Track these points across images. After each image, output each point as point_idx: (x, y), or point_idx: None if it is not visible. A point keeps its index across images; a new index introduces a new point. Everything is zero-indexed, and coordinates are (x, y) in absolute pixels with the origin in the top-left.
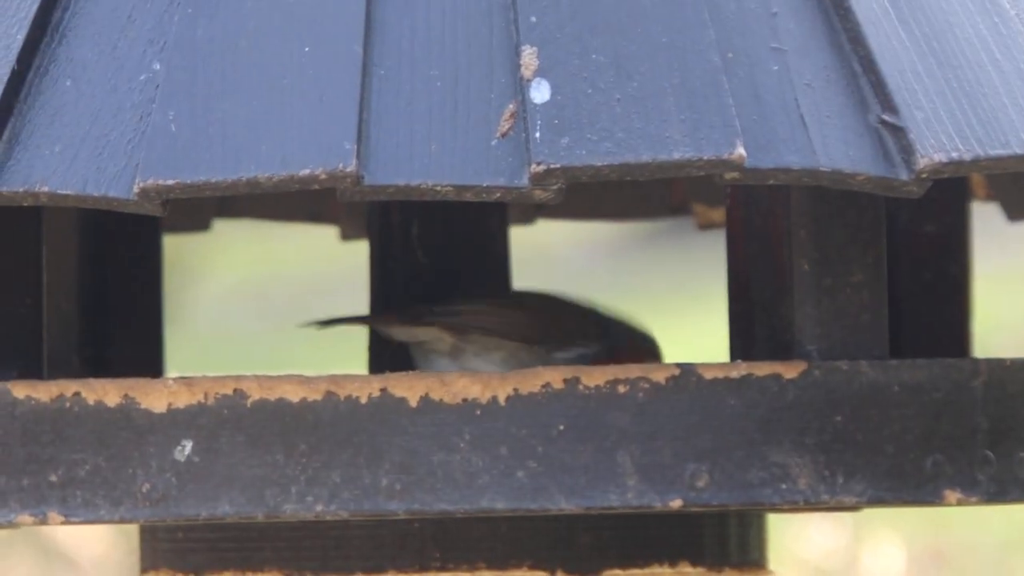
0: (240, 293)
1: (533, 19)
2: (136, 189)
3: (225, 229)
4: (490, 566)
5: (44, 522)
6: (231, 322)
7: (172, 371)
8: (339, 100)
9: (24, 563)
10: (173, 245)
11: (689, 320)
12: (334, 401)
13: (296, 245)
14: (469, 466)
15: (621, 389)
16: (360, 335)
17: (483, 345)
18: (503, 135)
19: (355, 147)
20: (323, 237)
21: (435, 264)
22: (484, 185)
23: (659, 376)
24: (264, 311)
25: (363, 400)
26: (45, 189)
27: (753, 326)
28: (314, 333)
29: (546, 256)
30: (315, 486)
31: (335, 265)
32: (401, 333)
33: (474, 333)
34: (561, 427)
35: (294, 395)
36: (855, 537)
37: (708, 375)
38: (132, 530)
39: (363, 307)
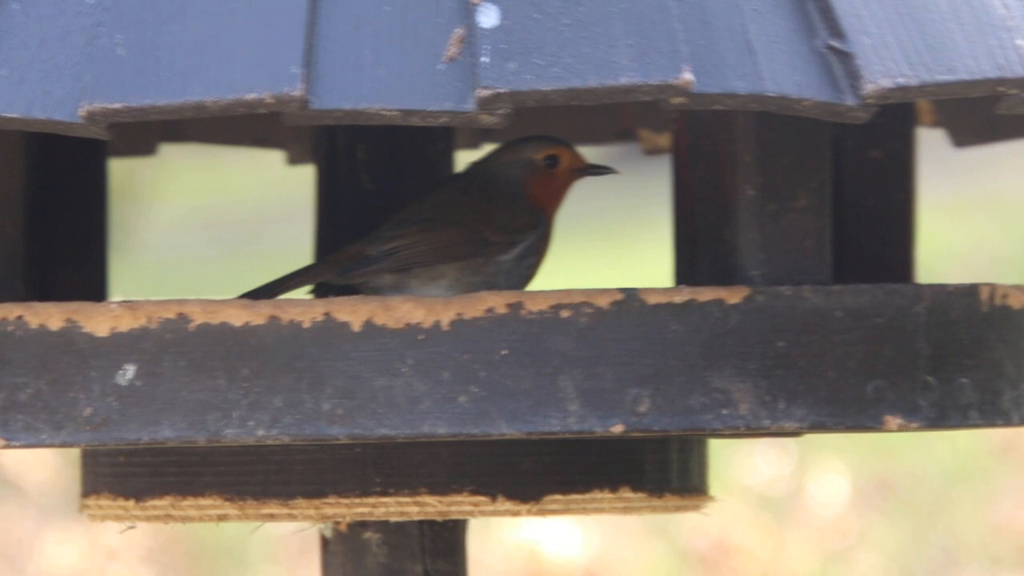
0: (190, 220)
1: None
2: (82, 112)
3: (174, 156)
4: (432, 491)
5: None
6: (181, 249)
7: (120, 297)
8: (287, 24)
9: None
10: (123, 172)
11: (638, 247)
12: (277, 325)
13: (245, 171)
14: (411, 391)
15: (564, 314)
16: (308, 257)
17: (426, 276)
18: (450, 59)
19: (302, 71)
20: (272, 164)
21: (381, 188)
22: (430, 109)
23: (602, 301)
24: (214, 238)
25: (306, 324)
26: None
27: (698, 251)
28: (264, 260)
29: None
30: (257, 411)
31: (285, 191)
32: (343, 280)
33: (415, 268)
34: (504, 352)
35: (237, 319)
36: (800, 465)
37: (651, 300)
38: (77, 456)
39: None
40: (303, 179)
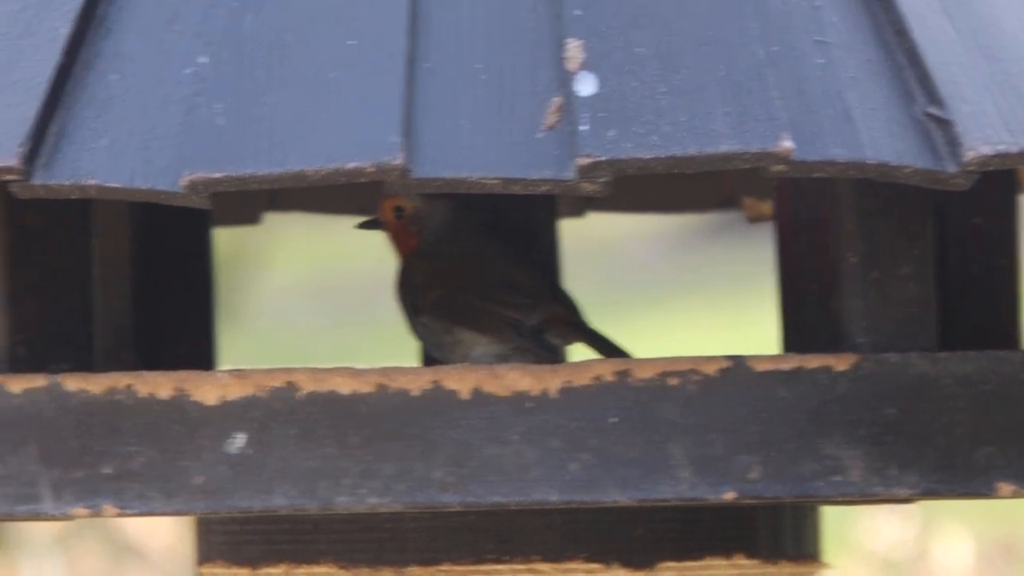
0: (301, 288)
1: (578, 12)
2: (183, 182)
3: (284, 223)
4: (545, 559)
5: (98, 514)
6: (293, 316)
7: (230, 365)
8: (385, 93)
9: (94, 554)
10: (234, 240)
11: (745, 313)
12: (385, 393)
13: (357, 239)
14: (521, 459)
15: (672, 381)
16: None
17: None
18: (549, 128)
19: (401, 140)
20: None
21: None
22: (531, 178)
23: (710, 369)
24: (326, 305)
25: (414, 392)
26: (93, 182)
27: (804, 319)
28: (376, 326)
29: (608, 248)
30: (368, 478)
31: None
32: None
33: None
34: (613, 419)
35: (345, 388)
36: (924, 529)
37: (759, 367)
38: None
39: None
40: None
